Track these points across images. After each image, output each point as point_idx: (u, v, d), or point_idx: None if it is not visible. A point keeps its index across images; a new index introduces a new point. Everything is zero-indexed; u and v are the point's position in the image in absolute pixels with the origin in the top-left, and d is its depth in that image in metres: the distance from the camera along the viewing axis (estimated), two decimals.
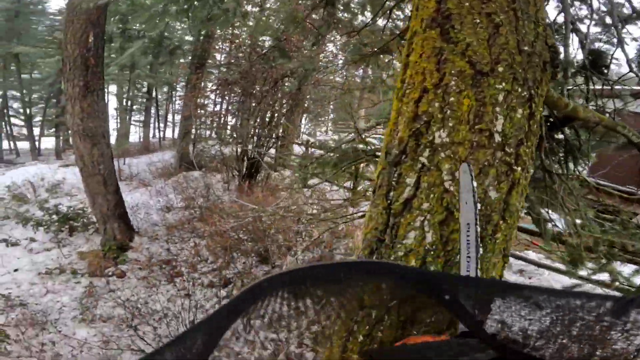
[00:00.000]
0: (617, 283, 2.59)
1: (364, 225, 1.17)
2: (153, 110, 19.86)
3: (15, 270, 5.86)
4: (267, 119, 9.76)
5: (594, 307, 0.66)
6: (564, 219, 1.92)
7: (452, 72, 0.94)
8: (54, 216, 7.10)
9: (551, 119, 1.30)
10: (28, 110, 18.37)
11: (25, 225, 7.23)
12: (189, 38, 12.40)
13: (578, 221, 1.95)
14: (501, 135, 0.91)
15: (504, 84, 0.92)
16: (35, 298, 5.04)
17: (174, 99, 22.48)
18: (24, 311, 4.58)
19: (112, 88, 18.03)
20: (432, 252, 0.92)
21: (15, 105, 19.29)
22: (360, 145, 4.24)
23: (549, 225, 2.16)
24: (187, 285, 4.98)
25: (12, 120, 19.06)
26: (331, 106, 12.84)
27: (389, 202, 1.01)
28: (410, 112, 1.00)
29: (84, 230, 7.15)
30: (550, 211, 1.96)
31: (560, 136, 1.54)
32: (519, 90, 0.93)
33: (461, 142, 0.91)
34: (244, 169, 8.59)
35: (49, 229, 6.96)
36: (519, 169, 0.92)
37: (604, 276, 2.62)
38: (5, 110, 18.41)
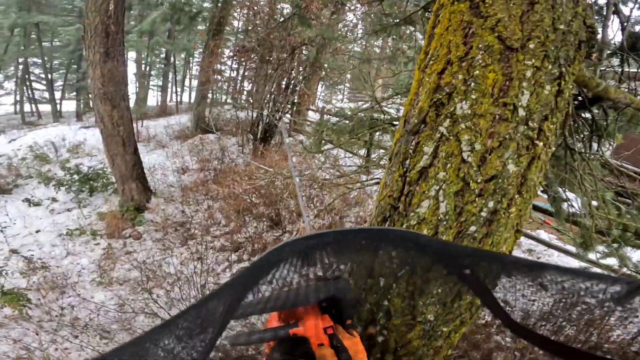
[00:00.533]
0: (625, 269, 2.58)
1: (378, 192, 1.18)
2: (171, 76, 19.96)
3: (37, 231, 6.13)
4: (283, 86, 9.69)
5: (598, 291, 0.65)
6: (580, 199, 1.90)
7: (480, 46, 0.92)
8: (75, 176, 7.31)
9: (580, 97, 1.26)
10: (49, 76, 18.72)
11: (47, 184, 7.49)
12: (207, 5, 12.22)
13: (594, 203, 1.93)
14: (525, 110, 0.89)
15: (533, 60, 0.90)
16: (56, 260, 5.29)
17: (191, 64, 22.49)
18: (45, 274, 4.80)
19: (132, 54, 18.47)
20: (444, 222, 0.93)
21: (37, 71, 19.70)
22: (377, 114, 4.20)
23: (565, 204, 2.14)
24: (200, 249, 5.15)
25: (34, 85, 19.45)
26: (348, 75, 12.59)
27: (405, 169, 1.02)
28: (433, 83, 0.99)
29: (103, 190, 7.37)
30: (567, 190, 1.94)
31: (587, 115, 1.50)
32: (549, 67, 0.91)
33: (483, 115, 0.90)
34: (259, 133, 8.62)
35: (70, 189, 7.18)
36: (541, 144, 0.91)
37: (613, 261, 2.61)
38: (26, 76, 18.79)
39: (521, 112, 0.89)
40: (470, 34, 0.94)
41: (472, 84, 0.92)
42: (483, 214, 0.91)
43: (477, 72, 0.91)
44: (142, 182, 6.77)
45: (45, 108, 19.48)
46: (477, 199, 0.91)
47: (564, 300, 0.71)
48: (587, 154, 1.46)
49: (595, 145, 1.63)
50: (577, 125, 1.41)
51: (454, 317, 1.00)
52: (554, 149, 0.98)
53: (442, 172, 0.94)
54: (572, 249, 3.99)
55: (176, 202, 6.66)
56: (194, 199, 6.60)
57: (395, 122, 3.75)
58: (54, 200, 7.14)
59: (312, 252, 0.70)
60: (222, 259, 5.11)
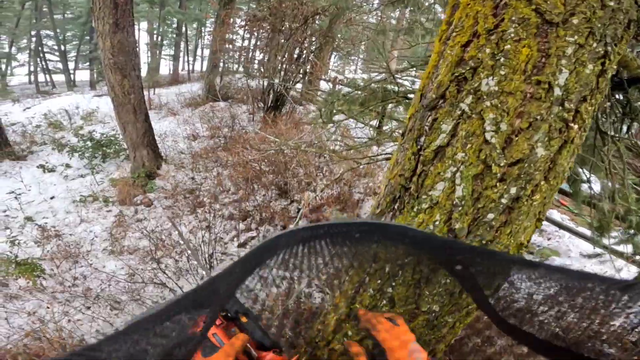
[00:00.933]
0: (638, 257, 2.51)
1: (388, 169, 1.12)
2: (183, 45, 19.69)
3: (52, 197, 6.22)
4: (295, 55, 9.44)
5: (599, 292, 0.66)
6: (602, 181, 1.81)
7: (513, 18, 0.82)
8: (88, 142, 7.38)
9: (617, 78, 1.15)
10: (62, 47, 18.78)
11: (61, 151, 7.55)
12: None
13: (617, 186, 1.84)
14: (562, 89, 0.80)
15: (576, 37, 0.80)
16: (69, 228, 5.37)
17: (203, 34, 22.13)
18: (58, 243, 4.87)
19: (143, 25, 18.34)
20: (460, 208, 0.87)
21: (50, 43, 19.66)
22: (390, 86, 4.05)
23: (584, 186, 2.05)
24: (209, 217, 5.19)
25: (47, 56, 19.45)
26: (362, 46, 12.14)
27: (419, 147, 0.95)
28: (455, 57, 0.90)
29: (115, 156, 7.42)
30: (588, 172, 1.85)
31: (620, 97, 1.39)
32: (594, 45, 0.81)
33: (512, 93, 0.81)
34: (269, 102, 8.48)
35: (84, 155, 7.24)
36: (576, 126, 0.83)
37: (628, 249, 2.53)
38: (40, 48, 18.82)
39: (557, 92, 0.80)
40: (502, 4, 0.84)
41: (502, 59, 0.83)
42: (503, 200, 0.85)
43: (508, 46, 0.82)
44: (153, 149, 6.80)
45: (59, 78, 19.56)
46: (498, 184, 0.84)
47: (564, 297, 0.70)
48: (618, 137, 1.36)
49: (625, 128, 1.52)
50: (611, 106, 1.31)
51: (460, 308, 0.96)
52: (587, 132, 0.89)
53: (460, 153, 0.87)
54: (586, 231, 3.90)
55: (186, 168, 6.68)
56: (204, 165, 6.60)
57: (410, 95, 3.62)
58: (68, 166, 7.21)
59: (312, 242, 0.70)
60: (229, 228, 5.15)
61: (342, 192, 5.55)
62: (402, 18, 11.70)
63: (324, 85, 10.76)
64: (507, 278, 0.73)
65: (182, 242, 4.71)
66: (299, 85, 9.61)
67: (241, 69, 12.56)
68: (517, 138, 0.82)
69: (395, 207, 0.99)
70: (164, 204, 5.67)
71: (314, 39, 9.83)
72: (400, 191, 0.98)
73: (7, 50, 17.97)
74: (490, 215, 0.85)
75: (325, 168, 6.05)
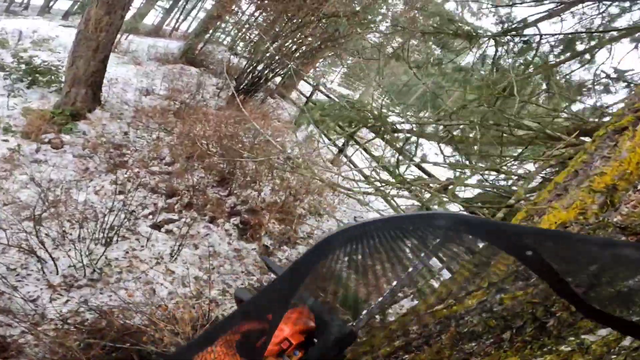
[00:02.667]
0: None
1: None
2: (181, 2, 18.35)
3: None
4: (292, 48, 8.77)
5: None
6: None
7: None
8: (23, 65, 6.46)
9: None
10: None
11: None
12: None
13: None
14: None
15: None
16: None
17: None
18: None
19: None
20: None
21: None
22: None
23: None
24: (128, 183, 4.29)
25: None
26: (349, 61, 11.64)
27: None
28: None
29: (45, 86, 6.32)
30: None
31: None
32: None
33: None
34: (244, 84, 7.70)
35: (9, 76, 6.12)
36: None
37: None
38: None
39: None
40: None
41: None
42: None
43: None
44: (94, 91, 5.87)
45: (38, 2, 17.56)
46: None
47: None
48: None
49: None
50: None
51: None
52: None
53: None
54: None
55: (123, 121, 5.70)
56: (145, 124, 5.66)
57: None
58: None
59: (361, 240, 0.68)
60: (148, 202, 4.27)
61: (286, 202, 4.84)
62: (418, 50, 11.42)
63: (303, 87, 10.14)
64: (587, 260, 0.66)
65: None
66: (278, 79, 8.89)
67: (228, 41, 11.68)
68: None
69: None
70: (76, 151, 4.66)
71: (318, 37, 9.25)
72: None
73: None
74: None
75: (276, 171, 5.32)
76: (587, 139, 2.49)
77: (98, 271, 3.23)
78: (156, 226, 4.01)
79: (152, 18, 18.85)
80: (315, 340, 0.83)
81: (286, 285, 0.64)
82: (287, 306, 0.74)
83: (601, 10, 4.82)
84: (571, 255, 0.67)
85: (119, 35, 7.26)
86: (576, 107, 5.08)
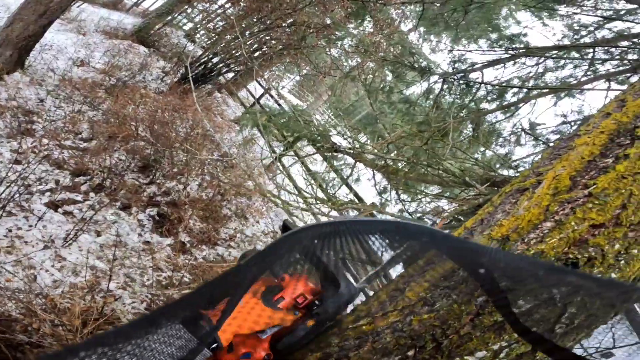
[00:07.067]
0: None
1: None
2: None
3: None
4: (250, 45, 8.53)
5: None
6: None
7: None
8: None
9: None
10: None
11: None
12: None
13: None
14: None
15: None
16: None
17: None
18: None
19: None
20: None
21: None
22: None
23: None
24: (32, 154, 3.80)
25: None
26: (305, 71, 11.61)
27: None
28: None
29: None
30: None
31: None
32: None
33: None
34: (192, 72, 7.33)
35: None
36: None
37: None
38: None
39: None
40: None
41: None
42: None
43: None
44: (22, 55, 5.28)
45: None
46: None
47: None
48: None
49: None
50: None
51: None
52: None
53: None
54: None
55: (43, 88, 5.12)
56: (69, 95, 5.12)
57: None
58: None
59: (331, 238, 0.74)
60: (49, 177, 3.79)
61: (213, 200, 4.57)
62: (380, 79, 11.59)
63: (254, 87, 9.89)
64: (535, 283, 0.72)
65: None
66: (230, 75, 8.59)
67: (189, 26, 11.16)
68: None
69: None
70: None
71: (281, 42, 9.09)
72: None
73: None
74: None
75: (208, 167, 5.04)
76: (495, 189, 2.73)
77: None
78: (53, 205, 3.55)
79: None
80: (319, 302, 0.88)
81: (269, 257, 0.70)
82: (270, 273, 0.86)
83: (539, 62, 5.17)
84: (519, 276, 0.71)
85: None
86: (490, 153, 5.45)
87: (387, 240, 0.77)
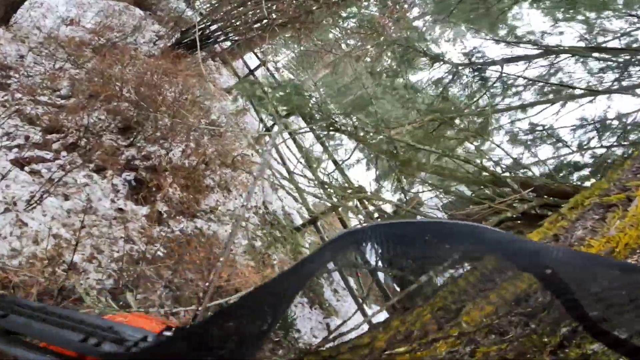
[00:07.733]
0: None
1: None
2: None
3: None
4: (255, 16, 8.17)
5: None
6: None
7: None
8: None
9: None
10: None
11: None
12: None
13: None
14: None
15: None
16: None
17: None
18: None
19: None
20: None
21: None
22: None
23: None
24: (1, 105, 3.58)
25: None
26: (302, 47, 11.20)
27: None
28: None
29: None
30: None
31: None
32: None
33: None
34: (188, 38, 7.01)
35: None
36: None
37: None
38: None
39: None
40: None
41: None
42: None
43: None
44: (9, 13, 4.99)
45: None
46: None
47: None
48: None
49: None
50: None
51: None
52: None
53: None
54: None
55: (27, 44, 4.86)
56: (52, 52, 4.86)
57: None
58: None
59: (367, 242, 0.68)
60: (18, 133, 3.57)
61: (196, 168, 4.34)
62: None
63: (250, 58, 9.56)
64: (604, 281, 0.64)
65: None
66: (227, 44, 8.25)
67: None
68: None
69: None
70: None
71: (286, 15, 8.71)
72: None
73: None
74: None
75: (195, 134, 4.79)
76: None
77: None
78: (19, 162, 3.34)
79: None
80: None
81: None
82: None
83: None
84: (588, 277, 0.66)
85: None
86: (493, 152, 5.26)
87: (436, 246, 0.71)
